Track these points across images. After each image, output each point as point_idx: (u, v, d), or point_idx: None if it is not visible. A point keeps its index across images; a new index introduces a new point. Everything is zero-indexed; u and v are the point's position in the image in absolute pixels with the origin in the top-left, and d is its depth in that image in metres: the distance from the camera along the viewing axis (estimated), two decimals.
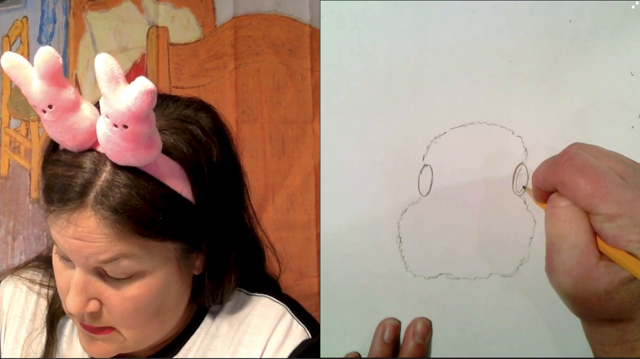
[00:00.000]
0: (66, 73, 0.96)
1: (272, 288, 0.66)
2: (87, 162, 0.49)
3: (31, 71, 0.46)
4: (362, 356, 0.58)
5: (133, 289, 0.52)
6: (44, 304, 0.63)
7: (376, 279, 0.57)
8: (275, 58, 0.95)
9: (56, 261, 0.54)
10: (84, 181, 0.49)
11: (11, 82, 0.97)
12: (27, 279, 0.65)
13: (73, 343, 0.63)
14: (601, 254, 0.44)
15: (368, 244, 0.56)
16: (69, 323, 0.63)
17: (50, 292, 0.63)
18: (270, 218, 0.91)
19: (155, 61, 0.96)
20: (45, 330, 0.62)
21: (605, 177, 0.43)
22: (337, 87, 0.54)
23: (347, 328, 0.58)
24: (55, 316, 0.62)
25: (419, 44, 0.52)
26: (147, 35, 0.97)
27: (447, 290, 0.56)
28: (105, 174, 0.49)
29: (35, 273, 0.65)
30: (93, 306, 0.52)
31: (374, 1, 0.52)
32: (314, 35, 0.95)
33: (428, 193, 0.55)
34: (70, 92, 0.47)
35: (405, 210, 0.55)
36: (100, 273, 0.52)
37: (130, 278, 0.52)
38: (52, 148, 0.54)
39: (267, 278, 0.67)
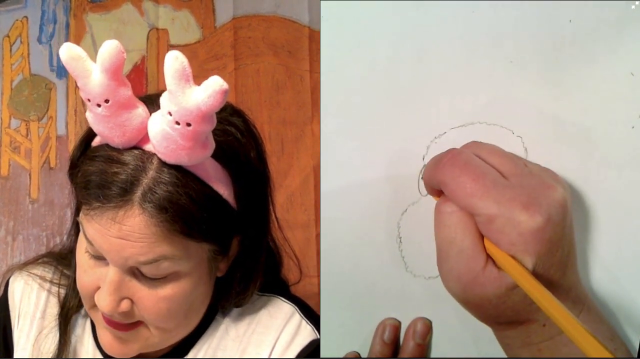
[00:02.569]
0: (67, 73, 0.96)
1: (281, 288, 0.66)
2: (132, 159, 0.49)
3: (91, 64, 0.46)
4: (362, 356, 0.58)
5: (167, 290, 0.52)
6: (53, 301, 0.63)
7: (376, 279, 0.57)
8: (274, 59, 0.95)
9: (85, 259, 0.54)
10: (130, 177, 0.48)
11: (11, 81, 0.98)
12: (37, 276, 0.64)
13: (84, 341, 0.62)
14: (490, 257, 0.43)
15: (368, 244, 0.56)
16: (79, 322, 0.63)
17: (62, 291, 0.63)
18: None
19: (156, 63, 0.96)
20: (57, 330, 0.61)
21: (485, 176, 0.42)
22: (337, 87, 0.54)
23: (347, 328, 0.58)
24: (67, 315, 0.62)
25: (419, 44, 0.52)
26: (147, 38, 0.97)
27: None
28: (151, 172, 0.49)
29: (45, 269, 0.65)
30: (125, 305, 0.52)
31: (374, 1, 0.52)
32: (313, 37, 0.95)
33: (428, 193, 0.55)
34: (127, 89, 0.47)
35: (405, 210, 0.55)
36: (135, 273, 0.52)
37: (166, 278, 0.52)
38: (86, 144, 0.53)
39: (278, 279, 0.67)
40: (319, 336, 0.59)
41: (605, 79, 0.50)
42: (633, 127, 0.51)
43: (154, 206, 0.48)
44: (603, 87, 0.50)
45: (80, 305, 0.61)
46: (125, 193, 0.48)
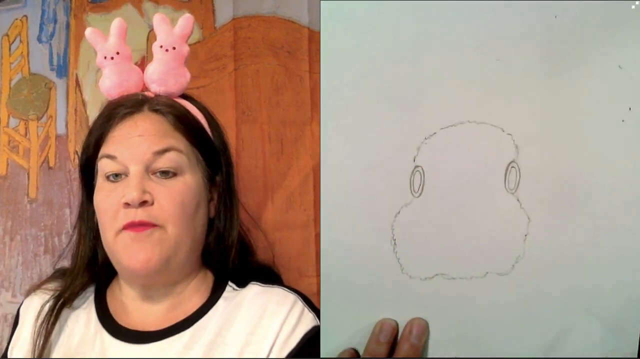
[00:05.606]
0: (67, 73, 0.97)
1: (281, 282, 0.73)
2: (135, 96, 0.69)
3: (102, 36, 0.71)
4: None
5: (178, 185, 0.66)
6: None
7: (373, 281, 0.57)
8: (274, 60, 0.95)
9: (104, 188, 0.66)
10: (138, 100, 0.68)
11: (10, 80, 0.99)
12: (52, 289, 0.72)
13: (74, 332, 0.68)
14: None
15: (365, 246, 0.57)
16: (72, 314, 0.70)
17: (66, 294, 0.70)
18: (270, 218, 0.91)
19: None
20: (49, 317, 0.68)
21: None
22: (337, 87, 0.54)
23: (345, 328, 0.59)
24: (65, 301, 0.69)
25: (411, 45, 0.53)
26: (148, 39, 0.97)
27: (443, 290, 0.57)
28: (151, 99, 0.69)
29: (59, 282, 0.72)
30: (148, 196, 0.64)
31: (373, 1, 0.52)
32: (313, 37, 0.95)
33: (420, 194, 0.55)
34: (128, 47, 0.72)
35: (399, 212, 0.56)
36: (150, 176, 0.65)
37: (174, 176, 0.66)
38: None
39: (276, 275, 0.76)
40: (319, 323, 0.64)
41: (594, 73, 0.50)
42: (623, 120, 0.51)
43: (160, 109, 0.68)
44: (592, 81, 0.50)
45: (72, 296, 0.69)
46: (138, 105, 0.68)
